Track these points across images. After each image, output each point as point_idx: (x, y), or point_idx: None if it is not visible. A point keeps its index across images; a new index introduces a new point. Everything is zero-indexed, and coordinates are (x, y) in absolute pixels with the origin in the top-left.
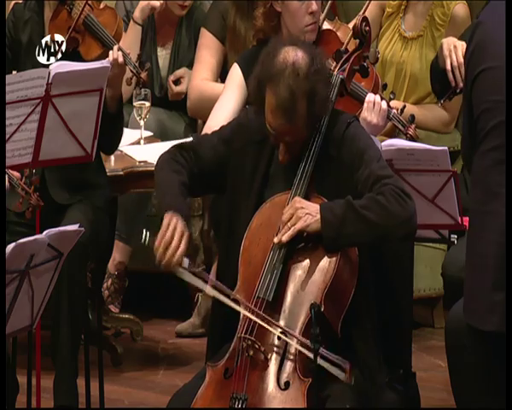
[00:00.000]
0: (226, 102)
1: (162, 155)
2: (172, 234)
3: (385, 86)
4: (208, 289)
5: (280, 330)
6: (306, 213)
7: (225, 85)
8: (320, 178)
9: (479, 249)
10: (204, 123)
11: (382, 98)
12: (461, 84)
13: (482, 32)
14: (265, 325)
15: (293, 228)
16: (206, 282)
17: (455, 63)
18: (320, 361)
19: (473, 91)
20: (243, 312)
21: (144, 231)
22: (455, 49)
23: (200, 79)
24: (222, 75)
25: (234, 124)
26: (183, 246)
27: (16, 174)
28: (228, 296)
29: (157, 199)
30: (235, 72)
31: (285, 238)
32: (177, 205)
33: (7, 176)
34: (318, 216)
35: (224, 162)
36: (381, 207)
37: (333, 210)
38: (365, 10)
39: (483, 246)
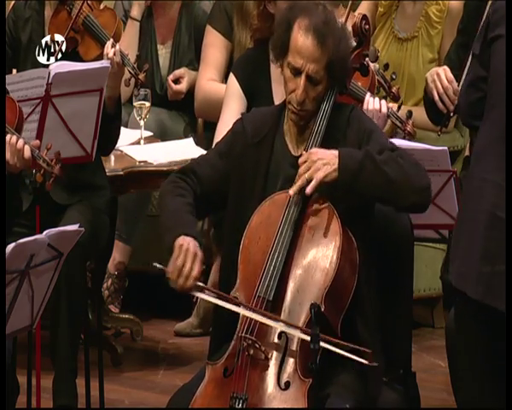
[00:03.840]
0: (228, 118)
1: (163, 184)
2: (184, 259)
3: (386, 66)
4: (225, 305)
5: (282, 324)
6: (324, 163)
7: (224, 99)
8: None
9: (472, 215)
10: (208, 123)
11: (381, 98)
12: (451, 107)
13: None
14: (268, 322)
15: (315, 179)
16: (222, 299)
17: (441, 90)
18: (340, 351)
19: (492, 51)
20: (264, 321)
21: (156, 264)
22: (438, 76)
23: (206, 79)
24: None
25: (228, 136)
26: (196, 270)
27: (36, 143)
28: (249, 308)
29: (163, 227)
30: (232, 82)
31: (309, 190)
32: (186, 227)
33: (29, 147)
34: (336, 164)
35: (225, 176)
36: (400, 167)
37: (352, 155)
38: (347, 16)
39: (477, 212)
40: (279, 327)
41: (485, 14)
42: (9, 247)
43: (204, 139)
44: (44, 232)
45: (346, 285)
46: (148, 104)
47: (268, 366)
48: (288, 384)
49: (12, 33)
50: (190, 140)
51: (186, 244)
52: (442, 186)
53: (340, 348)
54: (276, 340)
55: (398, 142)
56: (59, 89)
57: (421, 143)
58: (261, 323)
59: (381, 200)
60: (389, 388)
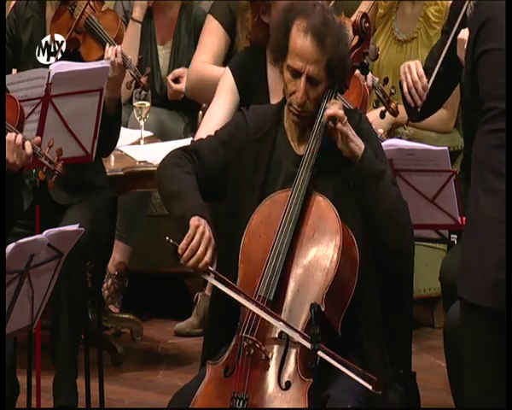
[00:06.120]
0: (216, 109)
1: (168, 155)
2: (199, 240)
3: (386, 80)
4: (233, 295)
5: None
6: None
7: (217, 91)
8: (324, 171)
9: (482, 226)
10: (201, 107)
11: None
12: (419, 102)
13: (488, 9)
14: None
15: (347, 128)
16: (230, 287)
17: (410, 83)
18: (346, 371)
19: (478, 68)
20: (265, 317)
21: (168, 238)
22: (409, 69)
23: (200, 61)
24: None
25: (230, 126)
26: (209, 254)
27: (38, 140)
28: (251, 300)
29: (174, 196)
30: (227, 76)
31: (340, 116)
32: (202, 209)
33: (30, 144)
34: (363, 148)
35: (225, 165)
36: (403, 205)
37: (373, 160)
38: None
39: (486, 223)
40: (282, 329)
41: (461, 13)
42: (9, 247)
43: None
44: (44, 232)
45: (347, 285)
46: (148, 104)
47: (268, 365)
48: (288, 384)
49: (13, 33)
50: (190, 140)
51: (202, 227)
52: (442, 186)
53: (349, 369)
54: (276, 340)
55: (398, 142)
56: (59, 89)
57: (421, 143)
58: (262, 323)
59: (372, 218)
60: (389, 388)
